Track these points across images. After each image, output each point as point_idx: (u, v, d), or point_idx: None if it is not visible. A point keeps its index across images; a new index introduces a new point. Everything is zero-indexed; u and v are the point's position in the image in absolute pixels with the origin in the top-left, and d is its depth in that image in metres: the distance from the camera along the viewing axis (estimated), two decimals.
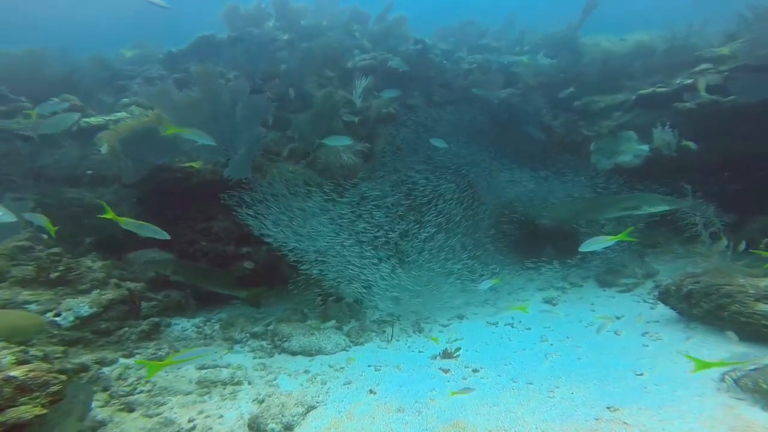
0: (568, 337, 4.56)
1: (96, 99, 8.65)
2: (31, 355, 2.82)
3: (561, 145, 7.72)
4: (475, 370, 3.97)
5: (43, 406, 1.99)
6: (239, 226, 5.64)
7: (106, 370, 3.57)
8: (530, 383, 3.58)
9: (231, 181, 5.61)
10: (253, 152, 5.80)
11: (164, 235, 3.31)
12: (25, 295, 3.84)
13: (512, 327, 5.03)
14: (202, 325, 4.99)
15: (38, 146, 7.18)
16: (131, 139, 5.36)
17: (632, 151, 6.54)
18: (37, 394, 2.04)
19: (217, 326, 4.96)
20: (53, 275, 4.17)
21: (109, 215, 3.11)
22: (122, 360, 3.84)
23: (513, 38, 10.64)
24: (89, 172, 6.64)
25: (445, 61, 9.37)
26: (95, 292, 4.03)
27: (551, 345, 4.44)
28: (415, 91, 8.82)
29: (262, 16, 9.50)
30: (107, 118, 7.30)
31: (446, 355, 4.36)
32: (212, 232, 5.80)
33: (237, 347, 4.61)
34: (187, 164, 5.99)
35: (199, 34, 10.06)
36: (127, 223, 3.21)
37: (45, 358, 3.00)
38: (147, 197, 6.09)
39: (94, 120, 7.46)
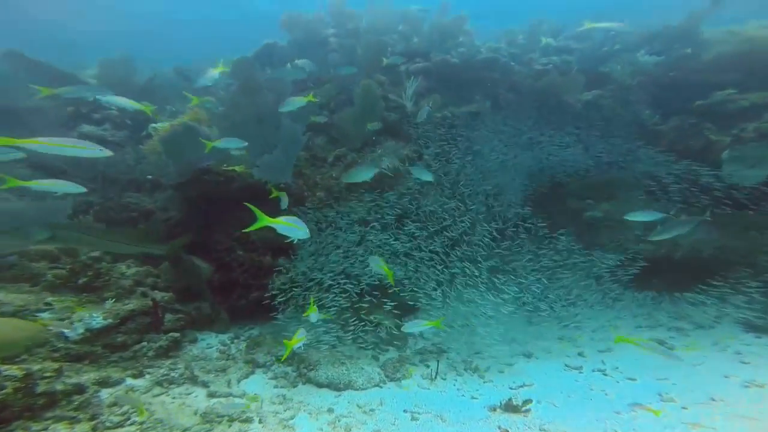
0: (713, 399, 3.19)
1: (171, 106, 9.14)
2: (5, 376, 2.50)
3: (670, 153, 6.19)
4: None
5: None
6: (278, 236, 5.23)
7: (105, 392, 3.21)
8: None
9: (267, 185, 5.24)
10: (292, 153, 5.37)
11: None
12: (47, 301, 3.66)
13: (605, 375, 3.78)
14: (229, 342, 4.56)
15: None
16: (171, 139, 5.26)
17: None
18: None
19: (243, 345, 4.47)
20: (81, 281, 4.01)
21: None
22: (129, 381, 3.47)
23: (598, 38, 9.22)
24: (149, 177, 6.79)
25: (513, 63, 8.36)
26: (110, 302, 3.75)
27: (685, 409, 3.07)
28: (476, 95, 7.94)
29: (320, 22, 9.37)
30: (172, 123, 7.54)
31: (510, 407, 3.30)
32: (249, 241, 5.44)
33: (259, 372, 4.06)
34: (230, 168, 5.77)
35: (264, 41, 10.28)
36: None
37: (27, 378, 2.68)
38: (193, 201, 5.97)
39: (160, 126, 7.77)
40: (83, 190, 3.28)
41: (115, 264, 4.63)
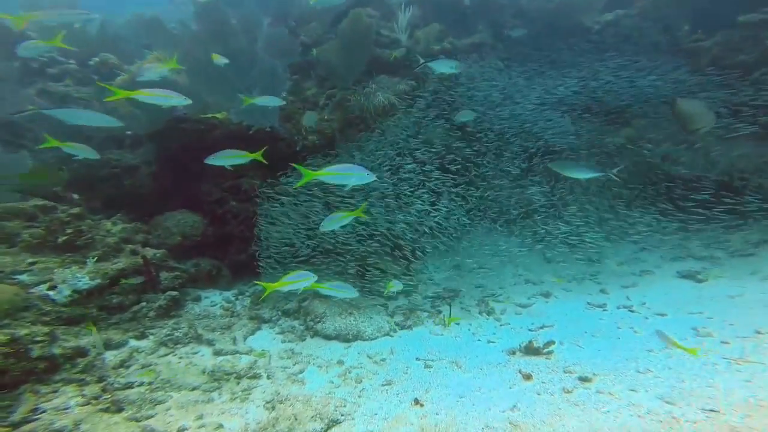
0: (758, 333, 2.92)
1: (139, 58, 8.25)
2: None
3: (713, 68, 5.46)
4: (584, 379, 2.67)
5: None
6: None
7: (109, 354, 3.05)
8: (714, 410, 2.16)
9: (250, 130, 4.79)
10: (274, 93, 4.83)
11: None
12: (28, 262, 3.40)
13: (631, 312, 3.53)
14: (233, 299, 4.38)
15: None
16: (135, 87, 4.69)
17: None
18: None
19: (248, 301, 4.29)
20: (61, 239, 3.71)
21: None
22: (133, 342, 3.31)
23: None
24: (129, 132, 6.25)
25: None
26: (90, 260, 3.47)
27: (726, 344, 2.81)
28: (479, 24, 7.07)
29: None
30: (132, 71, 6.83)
31: (531, 350, 3.11)
32: (242, 191, 5.08)
33: (265, 327, 3.90)
34: (210, 115, 5.26)
35: None
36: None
37: (13, 343, 2.48)
38: (173, 152, 5.51)
39: (121, 79, 7.05)
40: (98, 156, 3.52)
41: (100, 221, 4.32)
